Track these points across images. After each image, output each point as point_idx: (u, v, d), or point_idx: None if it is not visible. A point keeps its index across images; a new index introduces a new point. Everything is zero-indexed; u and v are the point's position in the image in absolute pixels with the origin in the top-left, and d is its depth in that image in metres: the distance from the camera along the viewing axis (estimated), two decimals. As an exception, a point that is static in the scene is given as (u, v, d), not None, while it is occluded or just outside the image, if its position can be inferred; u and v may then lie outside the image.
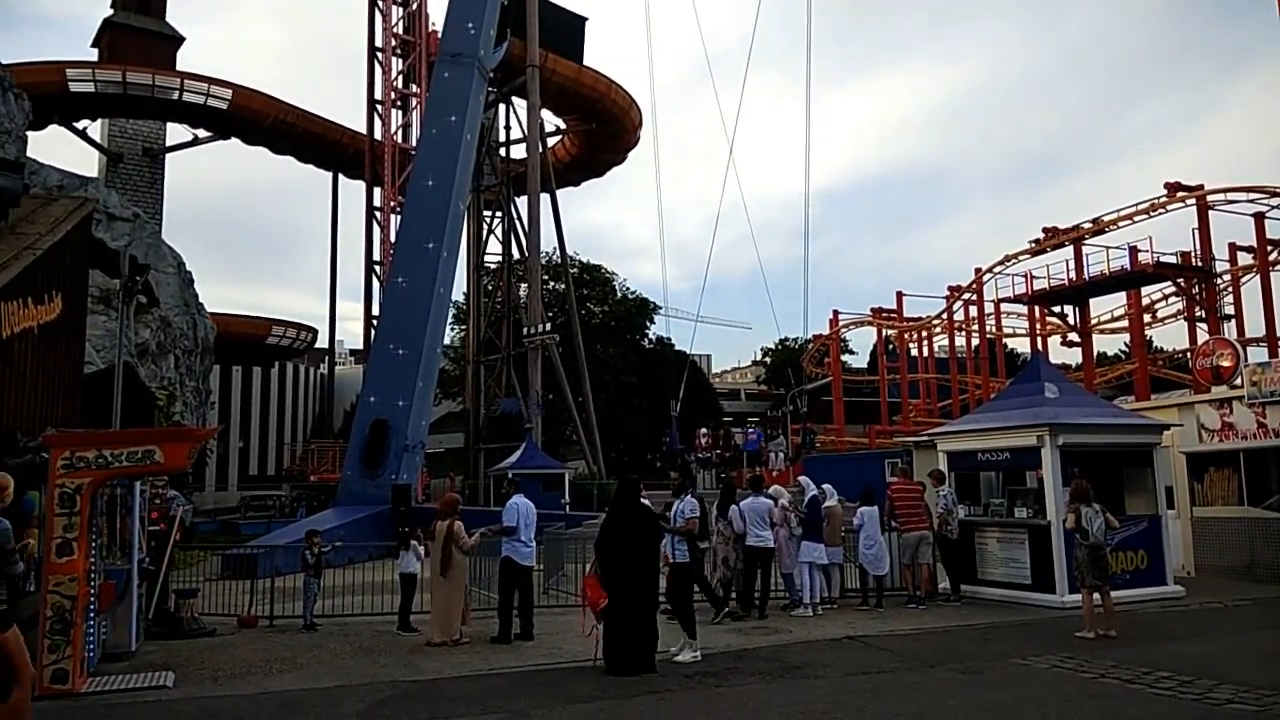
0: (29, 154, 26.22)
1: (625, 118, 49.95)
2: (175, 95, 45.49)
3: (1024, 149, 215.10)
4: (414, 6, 46.06)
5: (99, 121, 48.56)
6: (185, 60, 61.74)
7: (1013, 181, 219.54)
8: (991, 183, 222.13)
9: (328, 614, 12.62)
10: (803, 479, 13.40)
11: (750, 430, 28.61)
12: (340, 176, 53.41)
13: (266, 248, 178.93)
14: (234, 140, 49.98)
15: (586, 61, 47.64)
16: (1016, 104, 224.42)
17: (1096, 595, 10.56)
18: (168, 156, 51.87)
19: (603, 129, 49.81)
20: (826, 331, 53.59)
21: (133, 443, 9.14)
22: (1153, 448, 13.96)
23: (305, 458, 45.26)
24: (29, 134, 27.57)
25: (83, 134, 47.59)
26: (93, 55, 49.34)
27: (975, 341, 48.38)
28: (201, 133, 49.81)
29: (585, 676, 8.90)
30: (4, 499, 8.09)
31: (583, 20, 47.71)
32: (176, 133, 51.01)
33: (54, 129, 45.43)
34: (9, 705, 4.08)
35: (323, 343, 63.62)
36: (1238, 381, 16.49)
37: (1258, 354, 29.25)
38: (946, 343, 50.29)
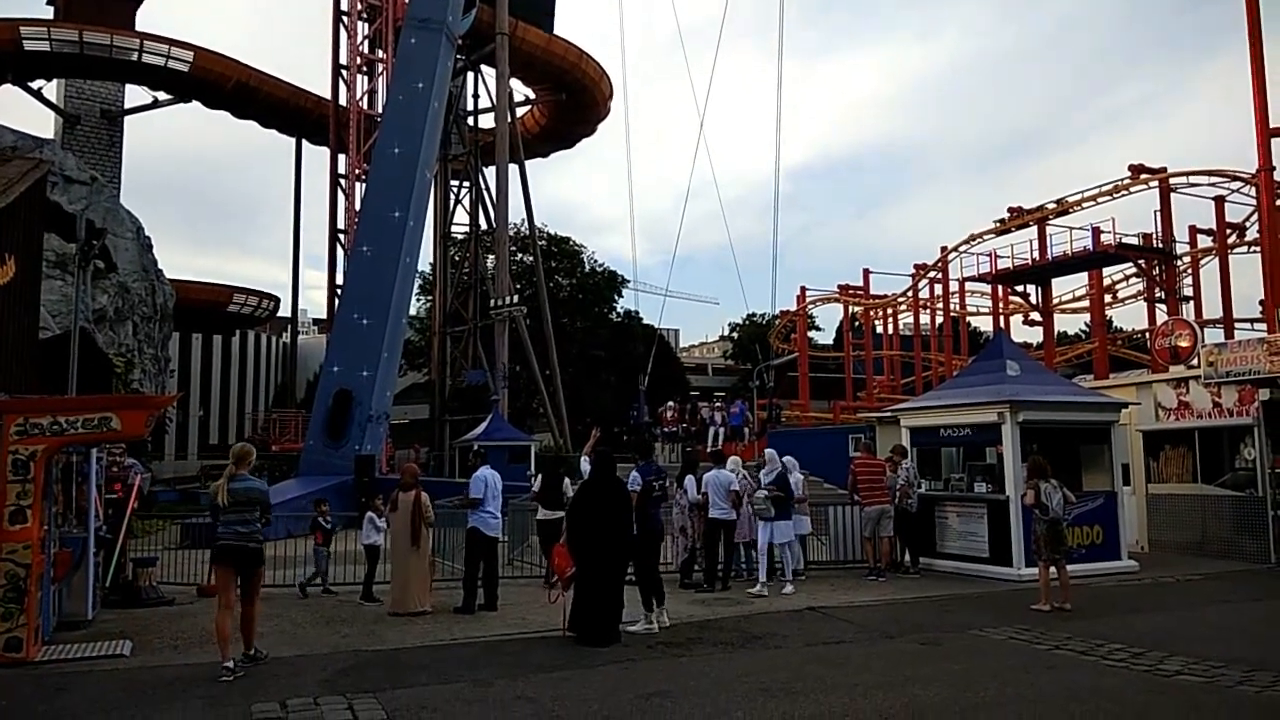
0: (-19, 113, 25.54)
1: (596, 89, 49.47)
2: (134, 56, 44.27)
3: (995, 129, 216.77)
4: (381, -30, 45.22)
5: (55, 82, 47.24)
6: (145, 20, 60.42)
7: (982, 161, 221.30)
8: (961, 162, 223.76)
9: (286, 584, 12.53)
10: (769, 452, 13.43)
11: (734, 404, 28.56)
12: (304, 143, 52.41)
13: (228, 214, 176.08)
14: (195, 104, 48.89)
15: (557, 31, 47.09)
16: (989, 84, 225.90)
17: (1053, 569, 10.75)
18: (127, 119, 50.57)
19: (573, 100, 49.30)
20: (794, 308, 53.81)
21: (89, 409, 8.98)
22: (1110, 425, 14.20)
23: (267, 427, 44.68)
24: (-19, 92, 26.84)
25: (38, 94, 46.27)
26: (48, 13, 47.95)
27: (939, 319, 48.84)
28: (161, 95, 48.59)
29: (549, 646, 8.94)
30: None
31: (553, -12, 47.10)
32: (136, 95, 49.71)
33: (7, 88, 44.12)
34: None
35: (285, 311, 62.68)
36: (1195, 362, 16.81)
37: (1215, 335, 29.76)
38: (911, 320, 50.72)
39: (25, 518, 8.39)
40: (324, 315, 52.10)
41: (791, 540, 12.66)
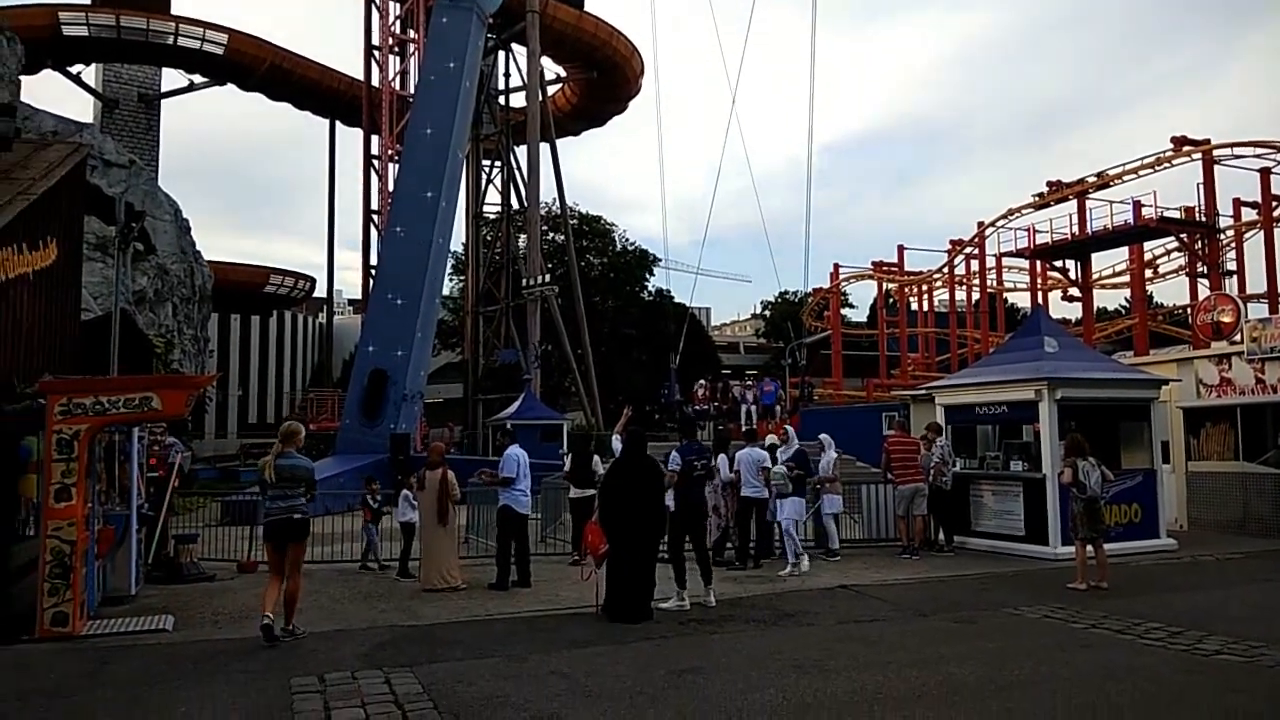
0: (22, 98, 25.91)
1: (627, 66, 49.25)
2: (170, 40, 44.79)
3: (1033, 101, 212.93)
4: (412, -51, 45.19)
5: (93, 66, 47.89)
6: (180, 4, 60.76)
7: (1021, 134, 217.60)
8: (999, 136, 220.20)
9: (324, 560, 12.72)
10: (788, 429, 13.39)
11: (767, 381, 28.43)
12: (338, 124, 52.82)
13: (264, 196, 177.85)
14: (230, 86, 49.36)
15: (588, 8, 46.90)
16: (1027, 55, 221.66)
17: (1090, 547, 10.64)
18: (164, 102, 51.22)
19: (604, 77, 49.13)
20: (827, 285, 53.41)
21: (130, 389, 9.13)
22: (1150, 402, 13.98)
23: (304, 406, 45.30)
24: (22, 78, 27.22)
25: (77, 79, 46.96)
26: (85, -2, 48.64)
27: (975, 296, 48.23)
28: (197, 78, 49.14)
29: (582, 623, 9.00)
30: None
31: (584, -35, 46.86)
32: (172, 78, 50.36)
33: (47, 73, 44.80)
34: None
35: (320, 292, 63.44)
36: (1237, 337, 16.49)
37: (1258, 310, 29.20)
38: (947, 297, 50.14)
39: (70, 495, 8.58)
40: (359, 296, 52.63)
41: (799, 518, 12.42)
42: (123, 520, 10.50)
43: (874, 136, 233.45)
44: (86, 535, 8.90)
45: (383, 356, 28.33)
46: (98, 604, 9.66)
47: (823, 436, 13.79)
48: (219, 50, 45.72)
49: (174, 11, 48.24)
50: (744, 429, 17.83)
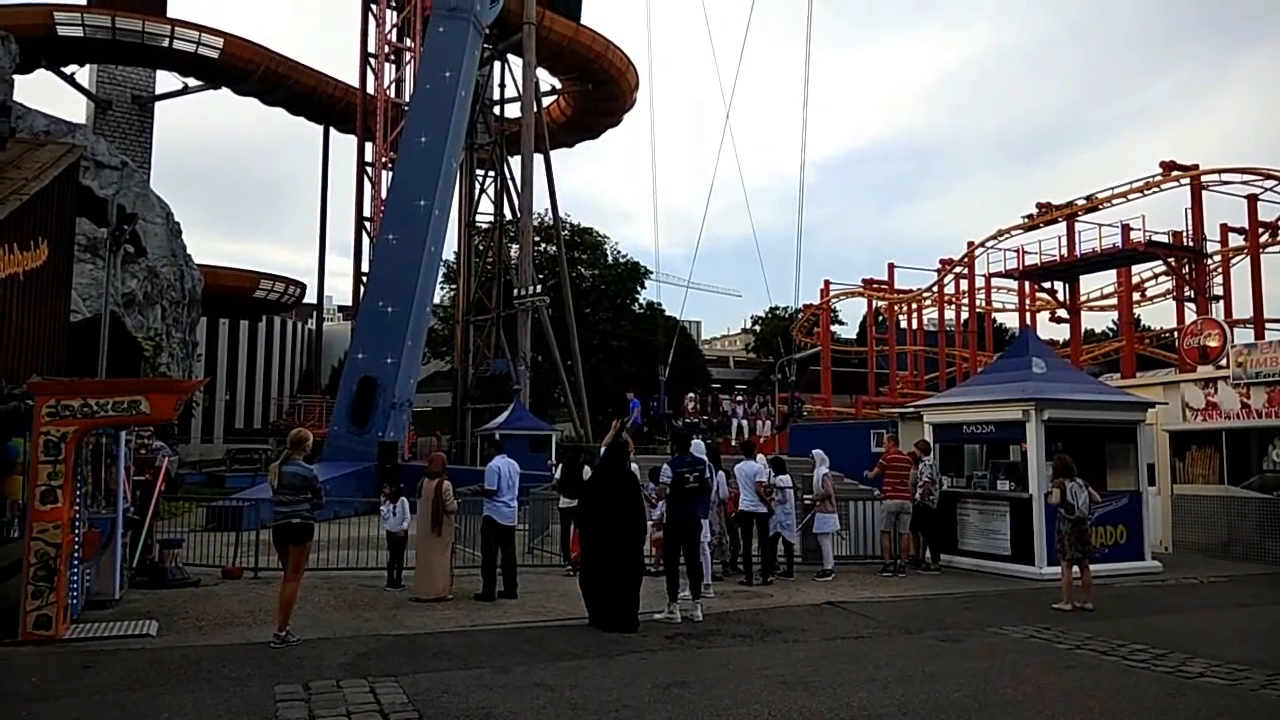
0: (15, 98, 25.84)
1: (622, 79, 49.37)
2: (165, 43, 44.69)
3: (1024, 123, 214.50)
4: (410, -41, 45.29)
5: (87, 67, 47.76)
6: (176, 7, 60.83)
7: (1011, 156, 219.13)
8: (990, 156, 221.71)
9: (311, 568, 12.64)
10: (696, 441, 13.39)
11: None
12: (332, 130, 52.76)
13: (256, 201, 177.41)
14: (224, 90, 49.29)
15: (584, 20, 47.04)
16: (1018, 77, 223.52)
17: (1075, 568, 10.69)
18: (157, 105, 51.10)
19: (599, 90, 49.24)
20: (817, 301, 53.54)
21: (119, 392, 9.10)
22: (1137, 425, 14.07)
23: (292, 412, 45.15)
24: (15, 78, 27.17)
25: (71, 79, 46.80)
26: (81, -1, 48.57)
27: (964, 315, 48.44)
28: (192, 82, 49.03)
29: (568, 634, 8.99)
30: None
31: (581, -23, 46.98)
32: (166, 81, 50.26)
33: (41, 74, 44.66)
34: None
35: (311, 298, 63.20)
36: (1224, 362, 16.61)
37: (1244, 335, 29.38)
38: (936, 315, 50.33)
39: (56, 498, 8.53)
40: (349, 302, 52.43)
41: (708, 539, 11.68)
42: (108, 524, 10.44)
43: (866, 154, 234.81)
44: (72, 538, 8.84)
45: (372, 364, 28.27)
46: (81, 608, 9.58)
47: (815, 452, 13.80)
48: (214, 54, 45.63)
49: (170, 14, 48.20)
50: (740, 442, 17.81)
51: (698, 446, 11.98)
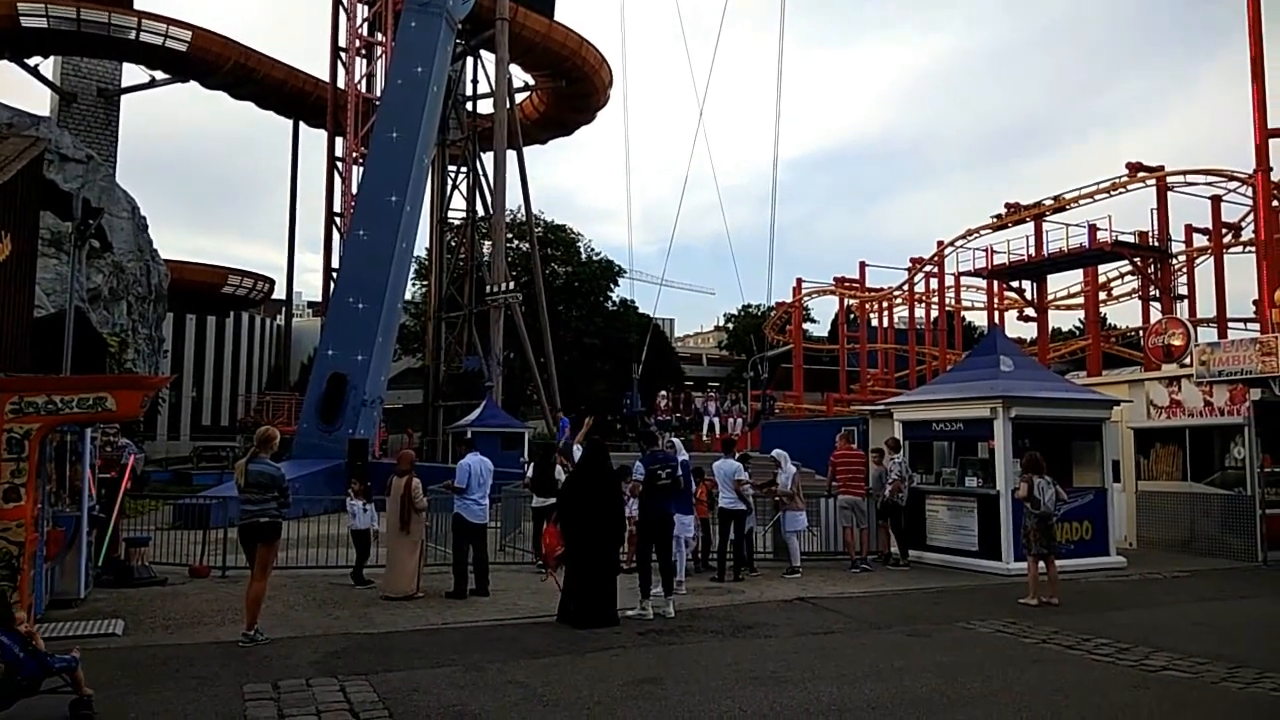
0: (-23, 89, 25.38)
1: (595, 76, 49.30)
2: (132, 35, 43.98)
3: (994, 124, 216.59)
4: (382, -48, 44.93)
5: (52, 59, 46.96)
6: (143, -1, 59.86)
7: (981, 156, 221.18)
8: (960, 157, 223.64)
9: (280, 566, 12.54)
10: (674, 440, 13.48)
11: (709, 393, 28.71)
12: (302, 125, 52.21)
13: (224, 196, 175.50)
14: (193, 84, 48.64)
15: (558, 17, 46.91)
16: (989, 79, 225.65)
17: (1042, 563, 10.82)
18: (124, 98, 50.32)
19: (572, 87, 49.12)
20: (789, 299, 53.87)
21: (83, 389, 8.98)
22: (1102, 422, 14.26)
23: (260, 409, 44.65)
24: (-23, 68, 26.68)
25: (34, 71, 45.98)
26: (46, -11, 47.68)
27: (934, 314, 48.90)
28: (159, 75, 48.31)
29: (540, 632, 8.98)
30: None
31: (554, -26, 46.84)
32: (133, 73, 49.47)
33: (4, 65, 43.87)
34: None
35: (280, 294, 62.63)
36: (1188, 360, 16.89)
37: (1208, 334, 29.85)
38: (906, 314, 50.78)
39: (19, 496, 8.41)
40: (319, 298, 51.98)
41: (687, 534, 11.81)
42: (73, 522, 10.30)
43: (839, 154, 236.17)
44: (35, 537, 8.72)
45: (343, 360, 28.04)
46: (45, 607, 9.45)
47: (776, 452, 13.83)
48: (182, 47, 44.99)
49: (137, 6, 47.50)
50: (723, 439, 17.83)
51: (675, 445, 12.04)
